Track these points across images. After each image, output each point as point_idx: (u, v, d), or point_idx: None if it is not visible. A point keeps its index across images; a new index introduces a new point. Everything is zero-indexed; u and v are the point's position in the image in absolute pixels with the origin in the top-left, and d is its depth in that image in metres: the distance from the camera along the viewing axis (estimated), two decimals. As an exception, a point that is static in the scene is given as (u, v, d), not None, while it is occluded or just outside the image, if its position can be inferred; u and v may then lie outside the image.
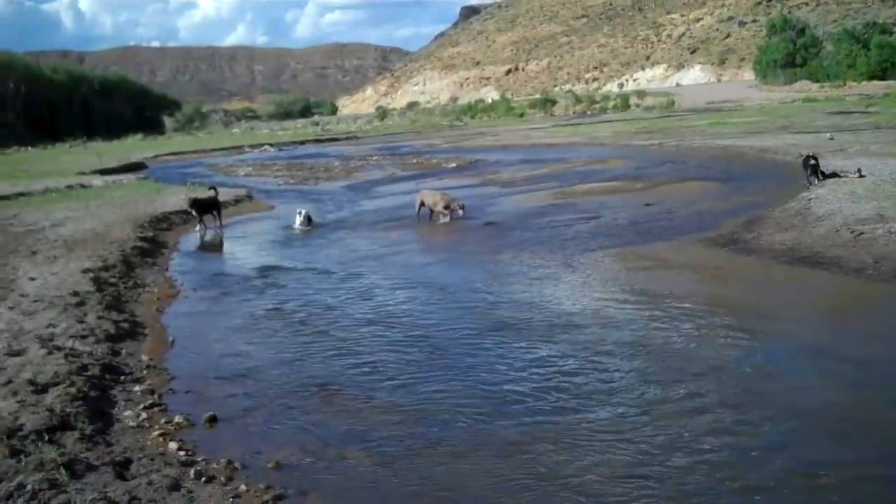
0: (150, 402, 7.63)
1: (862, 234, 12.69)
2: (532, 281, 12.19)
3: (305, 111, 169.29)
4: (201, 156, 56.12)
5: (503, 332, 9.52)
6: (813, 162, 18.65)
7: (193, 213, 19.01)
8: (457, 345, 9.17)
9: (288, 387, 8.06)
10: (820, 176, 18.49)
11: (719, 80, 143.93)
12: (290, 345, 9.52)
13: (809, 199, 16.07)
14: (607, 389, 7.59)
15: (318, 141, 69.07)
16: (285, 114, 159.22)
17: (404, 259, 14.61)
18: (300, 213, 18.97)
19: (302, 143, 67.17)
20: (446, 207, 18.36)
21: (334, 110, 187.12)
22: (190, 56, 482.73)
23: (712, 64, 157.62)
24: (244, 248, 16.96)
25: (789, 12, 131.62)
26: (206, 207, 19.28)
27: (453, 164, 35.80)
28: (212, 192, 20.18)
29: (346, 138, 72.87)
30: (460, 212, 18.29)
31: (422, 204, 18.96)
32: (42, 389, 7.43)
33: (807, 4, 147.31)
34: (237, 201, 24.05)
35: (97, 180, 30.95)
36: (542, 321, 9.91)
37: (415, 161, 39.38)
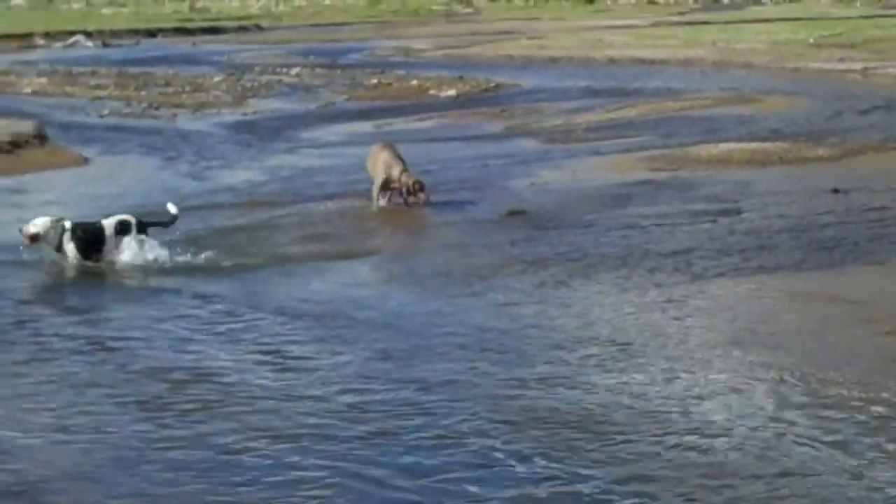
0: None
1: None
2: (592, 354, 11.65)
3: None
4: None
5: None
6: None
7: None
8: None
9: None
10: None
11: None
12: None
13: None
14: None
15: (183, 31, 69.32)
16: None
17: (346, 297, 14.28)
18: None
19: (152, 33, 67.40)
20: (385, 183, 17.95)
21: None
22: None
23: None
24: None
25: None
26: None
27: (451, 92, 36.28)
28: None
29: (241, 28, 73.13)
30: (422, 195, 17.91)
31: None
32: None
33: None
34: (14, 145, 23.86)
35: None
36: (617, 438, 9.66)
37: (375, 81, 39.86)
